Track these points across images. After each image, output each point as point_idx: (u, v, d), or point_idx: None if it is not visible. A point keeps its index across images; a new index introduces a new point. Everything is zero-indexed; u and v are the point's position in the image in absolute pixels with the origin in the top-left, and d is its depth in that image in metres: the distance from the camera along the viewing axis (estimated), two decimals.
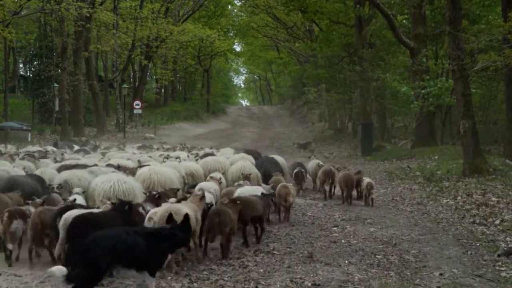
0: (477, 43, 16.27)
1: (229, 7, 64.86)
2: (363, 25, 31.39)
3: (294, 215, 10.52)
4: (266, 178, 11.85)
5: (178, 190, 8.90)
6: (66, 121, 34.31)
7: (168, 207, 6.58)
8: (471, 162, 15.34)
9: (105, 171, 10.49)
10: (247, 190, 8.90)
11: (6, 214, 6.77)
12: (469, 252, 7.23)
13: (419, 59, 22.78)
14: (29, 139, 31.31)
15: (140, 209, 7.00)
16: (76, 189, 8.46)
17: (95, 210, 6.74)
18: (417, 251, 7.38)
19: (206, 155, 15.59)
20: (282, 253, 7.38)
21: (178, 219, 5.87)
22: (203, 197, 7.21)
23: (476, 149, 15.55)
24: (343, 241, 8.12)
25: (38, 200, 7.66)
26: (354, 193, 12.85)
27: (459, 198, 12.17)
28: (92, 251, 4.90)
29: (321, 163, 15.21)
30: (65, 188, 9.05)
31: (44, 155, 16.70)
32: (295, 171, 13.68)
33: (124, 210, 6.56)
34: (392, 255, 7.18)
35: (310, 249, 7.57)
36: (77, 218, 6.12)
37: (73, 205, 6.99)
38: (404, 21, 28.10)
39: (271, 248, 7.64)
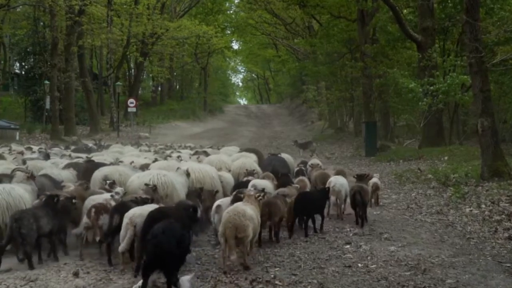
0: (497, 33, 14.76)
1: (227, 4, 63.64)
2: (366, 20, 30.07)
3: (298, 228, 9.18)
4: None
5: (217, 192, 9.00)
6: (56, 119, 33.05)
7: (236, 208, 6.52)
8: (491, 164, 13.89)
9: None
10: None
11: (93, 210, 6.96)
12: None
13: (428, 54, 21.38)
14: (17, 138, 29.88)
15: None
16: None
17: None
18: (454, 280, 5.90)
19: (197, 153, 14.73)
20: (286, 283, 5.86)
21: (243, 221, 6.23)
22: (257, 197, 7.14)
23: (496, 150, 14.07)
24: (359, 265, 6.62)
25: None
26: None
27: (483, 206, 10.76)
28: None
29: (320, 163, 14.14)
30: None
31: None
32: (296, 169, 13.23)
33: None
34: (425, 286, 5.72)
35: (320, 277, 6.11)
36: (154, 213, 6.25)
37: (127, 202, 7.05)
38: (410, 15, 26.59)
39: (272, 275, 6.12)
